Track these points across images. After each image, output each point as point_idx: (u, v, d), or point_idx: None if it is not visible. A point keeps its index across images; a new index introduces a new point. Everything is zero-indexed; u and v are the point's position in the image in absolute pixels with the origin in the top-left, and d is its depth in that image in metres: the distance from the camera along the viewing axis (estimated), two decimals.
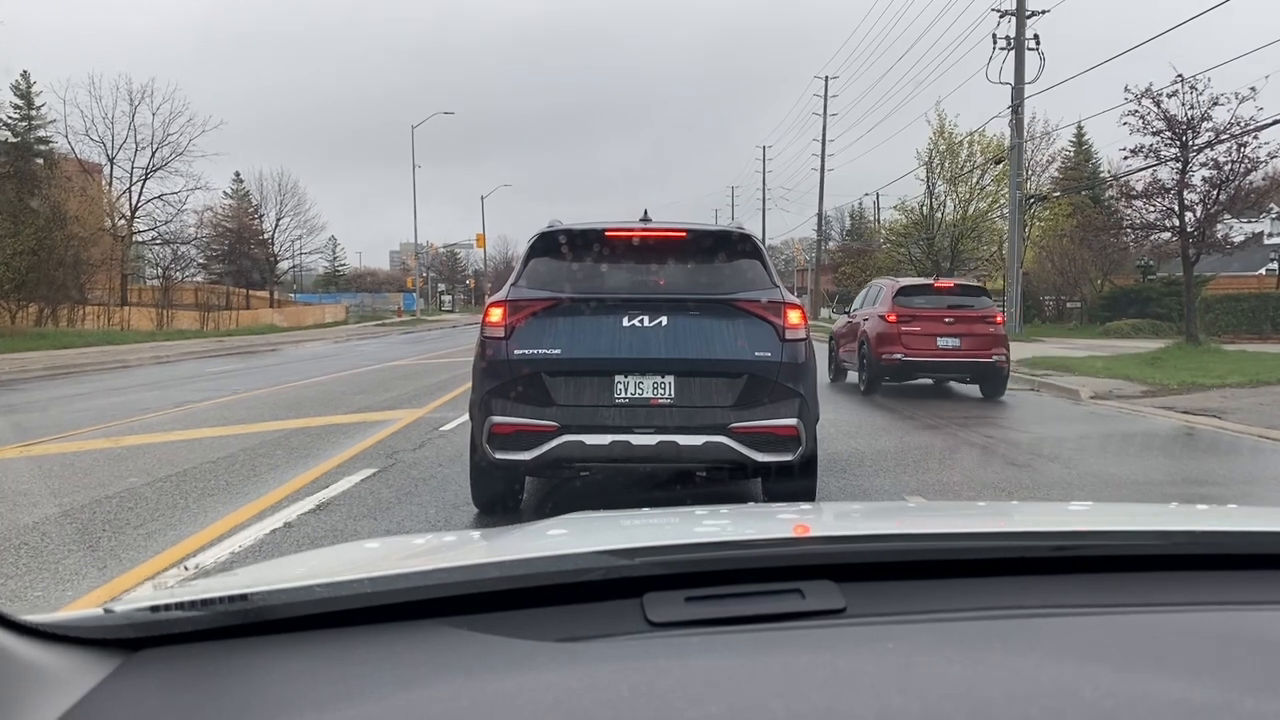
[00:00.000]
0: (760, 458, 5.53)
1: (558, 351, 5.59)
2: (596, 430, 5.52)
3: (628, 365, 5.58)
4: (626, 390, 5.58)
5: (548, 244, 6.04)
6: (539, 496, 6.79)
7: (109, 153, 51.28)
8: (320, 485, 7.28)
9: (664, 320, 5.64)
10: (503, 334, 5.65)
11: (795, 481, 5.79)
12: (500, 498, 6.14)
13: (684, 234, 6.16)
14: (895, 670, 1.12)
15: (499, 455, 5.59)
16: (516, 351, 5.60)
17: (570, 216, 6.68)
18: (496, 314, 5.72)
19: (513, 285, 5.92)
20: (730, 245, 6.10)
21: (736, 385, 5.60)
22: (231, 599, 1.23)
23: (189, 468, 8.10)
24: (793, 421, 5.59)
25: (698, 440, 5.50)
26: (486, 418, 5.61)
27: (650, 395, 5.58)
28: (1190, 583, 1.44)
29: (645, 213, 6.59)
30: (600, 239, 6.05)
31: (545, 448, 5.50)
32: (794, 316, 5.73)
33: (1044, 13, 33.19)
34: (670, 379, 5.59)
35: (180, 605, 1.22)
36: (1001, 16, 33.42)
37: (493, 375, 5.65)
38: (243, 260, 67.33)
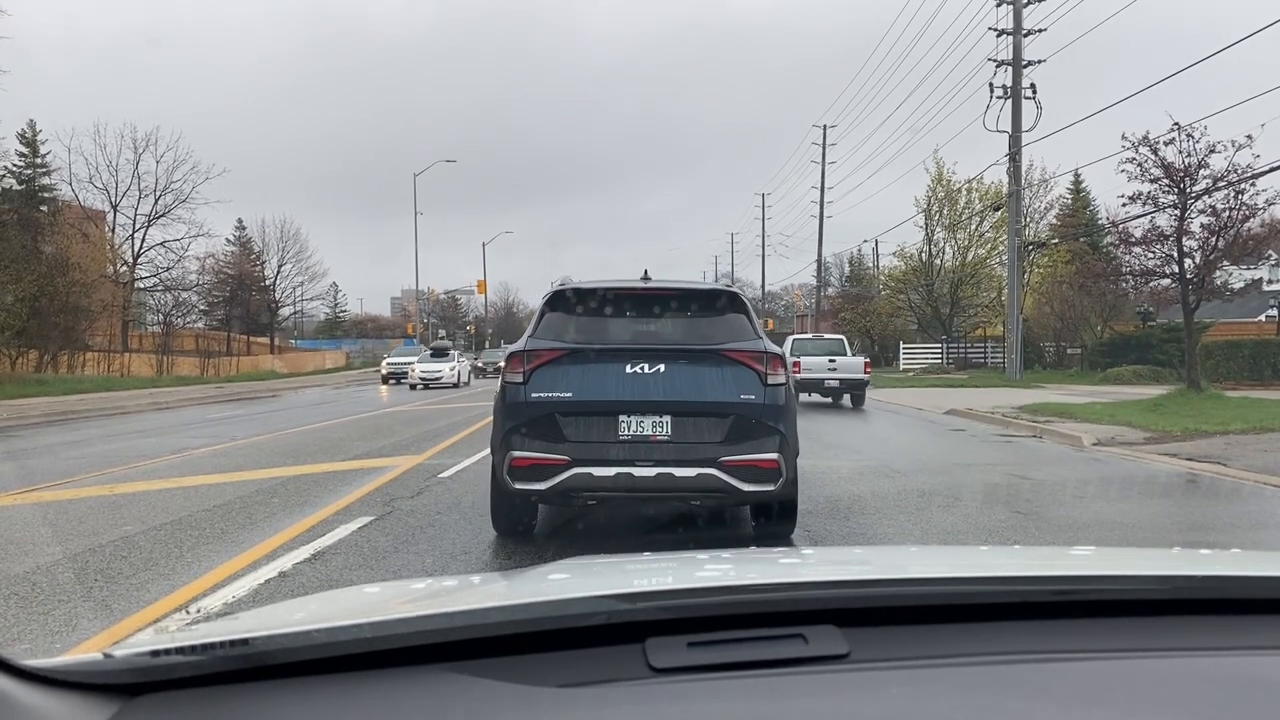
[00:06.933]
0: (746, 488, 6.22)
1: (569, 394, 6.33)
2: (603, 463, 6.23)
3: (630, 407, 6.29)
4: (629, 428, 6.29)
5: (560, 300, 6.96)
6: (547, 532, 7.20)
7: (112, 199, 51.73)
8: (316, 533, 7.23)
9: (662, 367, 6.36)
10: (521, 379, 6.41)
11: (778, 508, 6.72)
12: (520, 520, 6.99)
13: (679, 292, 7.22)
14: (899, 716, 1.12)
15: (518, 485, 6.33)
16: (533, 395, 6.35)
17: (572, 262, 7.41)
18: (516, 362, 6.51)
19: (530, 336, 6.73)
20: (719, 302, 7.04)
21: (725, 424, 6.31)
22: (232, 644, 1.22)
23: (184, 515, 8.05)
24: (774, 455, 6.28)
25: (691, 472, 6.20)
26: (507, 452, 6.33)
27: (650, 433, 6.28)
28: (1194, 627, 1.43)
29: (645, 272, 7.34)
30: (606, 296, 7.00)
31: (558, 479, 6.21)
32: (775, 364, 6.48)
33: (1040, 62, 33.76)
34: (667, 418, 6.30)
35: (181, 650, 1.21)
36: (999, 66, 33.93)
37: (512, 415, 6.40)
38: (244, 306, 67.50)
